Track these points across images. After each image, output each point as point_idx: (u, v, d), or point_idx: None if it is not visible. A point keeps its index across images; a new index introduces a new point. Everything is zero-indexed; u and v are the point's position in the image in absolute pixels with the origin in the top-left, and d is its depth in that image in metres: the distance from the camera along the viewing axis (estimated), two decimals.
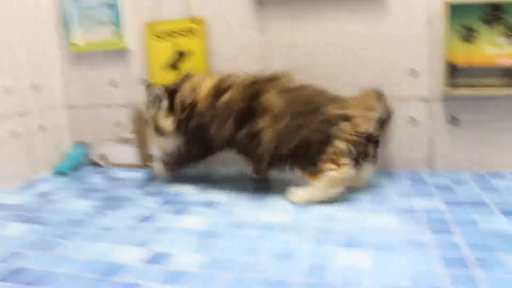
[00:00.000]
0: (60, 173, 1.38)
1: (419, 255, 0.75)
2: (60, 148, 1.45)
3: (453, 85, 1.16)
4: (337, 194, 1.02)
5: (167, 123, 1.15)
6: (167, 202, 1.08)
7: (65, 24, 1.39)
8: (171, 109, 1.15)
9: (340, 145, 1.00)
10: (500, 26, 1.13)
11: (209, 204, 1.05)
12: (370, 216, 0.93)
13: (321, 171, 1.01)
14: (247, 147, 1.07)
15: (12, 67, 1.29)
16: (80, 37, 1.39)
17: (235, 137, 1.07)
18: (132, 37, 1.36)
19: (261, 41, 1.26)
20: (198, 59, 1.29)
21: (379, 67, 1.19)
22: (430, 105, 1.19)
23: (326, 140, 1.01)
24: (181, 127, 1.15)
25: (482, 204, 0.96)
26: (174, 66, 1.31)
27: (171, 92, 1.15)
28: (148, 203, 1.08)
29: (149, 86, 1.20)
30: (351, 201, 1.02)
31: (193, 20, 1.28)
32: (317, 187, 1.02)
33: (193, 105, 1.12)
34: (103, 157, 1.43)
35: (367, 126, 1.02)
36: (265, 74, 1.10)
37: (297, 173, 1.05)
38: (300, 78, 1.12)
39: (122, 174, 1.35)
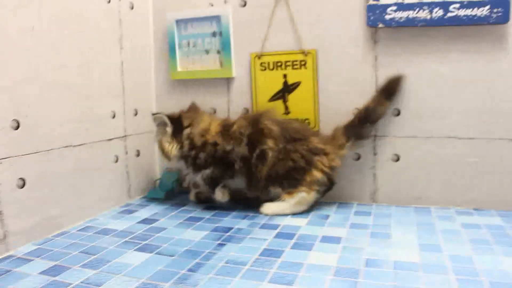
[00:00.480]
0: (154, 198, 1.37)
1: None
2: (153, 173, 1.45)
3: None
4: (300, 211, 1.21)
5: (171, 148, 1.26)
6: (283, 236, 1.04)
7: (169, 51, 1.41)
8: (175, 135, 1.26)
9: (317, 174, 1.19)
10: None
11: (329, 239, 1.01)
12: (505, 259, 0.88)
13: (295, 191, 1.19)
14: (257, 166, 1.20)
15: (120, 92, 1.32)
16: (182, 64, 1.40)
17: (252, 157, 1.20)
18: (237, 67, 1.36)
19: (373, 77, 1.24)
20: (306, 92, 1.28)
21: (487, 106, 1.17)
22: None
23: (308, 168, 1.19)
24: (189, 162, 1.27)
25: None
26: (281, 97, 1.31)
27: (175, 120, 1.26)
28: (262, 235, 1.05)
29: (154, 114, 1.28)
30: (476, 241, 0.97)
31: (304, 52, 1.27)
32: (287, 203, 1.20)
33: (204, 144, 1.24)
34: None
35: (338, 162, 1.22)
36: (256, 111, 1.32)
37: (276, 191, 1.21)
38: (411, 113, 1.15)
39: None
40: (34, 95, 1.03)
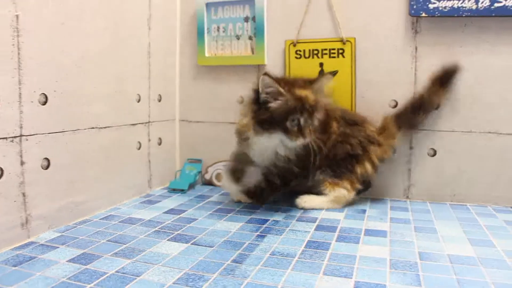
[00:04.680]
0: (175, 189, 1.30)
1: None
2: (173, 163, 1.38)
3: None
4: (336, 208, 1.14)
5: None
6: (324, 229, 0.98)
7: (198, 35, 1.34)
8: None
9: (368, 167, 1.14)
10: None
11: (375, 233, 0.96)
12: None
13: (337, 184, 1.12)
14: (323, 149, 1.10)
15: (146, 75, 1.24)
16: (210, 50, 1.34)
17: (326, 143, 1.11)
18: (269, 54, 1.30)
19: (412, 68, 1.19)
20: (343, 81, 1.23)
21: None
22: None
23: (362, 157, 1.13)
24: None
25: None
26: None
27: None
28: (305, 228, 0.99)
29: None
30: None
31: (342, 40, 1.22)
32: (325, 198, 1.13)
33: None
34: (218, 176, 1.35)
35: (389, 154, 1.17)
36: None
37: (319, 177, 1.13)
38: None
39: None
40: (63, 71, 0.96)
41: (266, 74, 1.01)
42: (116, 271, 0.76)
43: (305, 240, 0.91)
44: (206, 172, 1.36)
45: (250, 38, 1.30)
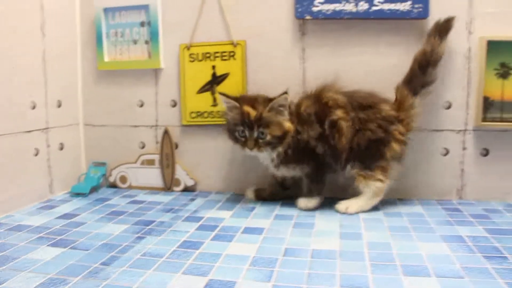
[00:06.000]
0: (78, 193, 1.31)
1: (485, 282, 0.73)
2: (77, 167, 1.39)
3: (486, 119, 1.19)
4: (376, 203, 1.14)
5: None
6: (205, 228, 1.02)
7: (96, 40, 1.35)
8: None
9: (396, 147, 1.11)
10: None
11: (251, 230, 1.00)
12: (421, 244, 0.91)
13: (372, 177, 1.11)
14: (334, 137, 1.11)
15: (41, 82, 1.24)
16: (110, 54, 1.35)
17: (324, 131, 1.12)
18: (166, 58, 1.32)
19: (300, 69, 1.25)
20: (234, 83, 1.27)
21: None
22: (463, 137, 1.20)
23: (386, 139, 1.11)
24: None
25: None
26: (210, 89, 1.29)
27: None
28: (186, 228, 1.02)
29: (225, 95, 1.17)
30: (395, 228, 1.00)
31: (233, 43, 1.26)
32: (364, 197, 1.13)
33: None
34: (122, 179, 1.37)
35: (413, 125, 1.15)
36: (318, 86, 1.17)
37: (352, 171, 1.13)
38: None
39: (145, 197, 1.29)
40: None
41: (221, 93, 1.15)
42: None
43: (180, 240, 0.95)
44: (110, 174, 1.38)
45: (146, 42, 1.32)
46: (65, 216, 1.13)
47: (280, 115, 1.11)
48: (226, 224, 1.05)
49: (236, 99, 1.13)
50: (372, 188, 1.12)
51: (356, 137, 1.11)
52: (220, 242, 0.94)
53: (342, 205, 1.14)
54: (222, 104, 1.16)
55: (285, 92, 1.10)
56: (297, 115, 1.13)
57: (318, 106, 1.13)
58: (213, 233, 0.99)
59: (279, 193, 1.25)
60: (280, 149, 1.12)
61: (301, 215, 1.12)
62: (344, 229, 1.01)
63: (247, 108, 1.11)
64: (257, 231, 1.00)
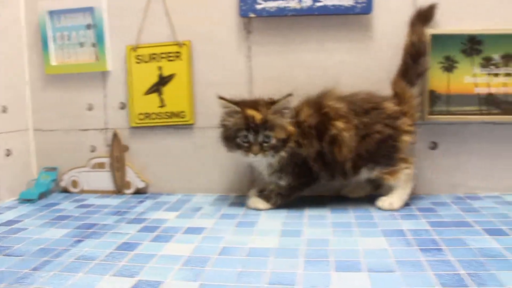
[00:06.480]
0: (27, 200, 1.28)
1: (415, 275, 0.74)
2: (28, 173, 1.37)
3: (433, 112, 1.20)
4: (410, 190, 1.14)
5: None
6: (147, 230, 1.01)
7: (42, 44, 1.33)
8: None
9: (407, 138, 1.11)
10: (477, 57, 1.18)
11: (193, 230, 1.00)
12: (360, 239, 0.91)
13: (397, 170, 1.11)
14: (333, 153, 1.09)
15: None
16: (57, 58, 1.33)
17: (322, 147, 1.10)
18: (113, 60, 1.31)
19: (247, 67, 1.24)
20: (181, 84, 1.26)
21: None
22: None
23: (396, 134, 1.11)
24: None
25: (466, 224, 0.98)
26: (156, 90, 1.28)
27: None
28: (127, 230, 1.01)
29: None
30: (338, 224, 1.00)
31: (178, 43, 1.25)
32: (401, 190, 1.12)
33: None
34: (73, 183, 1.35)
35: (417, 115, 1.16)
36: (319, 92, 1.15)
37: (373, 173, 1.12)
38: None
39: (95, 200, 1.28)
40: None
41: (221, 97, 1.09)
42: None
43: (119, 243, 0.93)
44: (62, 179, 1.36)
45: (93, 45, 1.30)
46: (7, 223, 1.10)
47: (284, 117, 1.08)
48: (169, 225, 1.04)
49: (236, 103, 1.09)
50: (402, 178, 1.11)
51: (363, 144, 1.09)
52: (158, 243, 0.93)
53: (385, 202, 1.12)
54: (221, 109, 1.10)
55: (290, 94, 1.07)
56: (297, 123, 1.10)
57: (319, 117, 1.10)
58: (154, 234, 0.98)
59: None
60: (283, 153, 1.08)
61: (247, 214, 1.11)
62: (286, 227, 1.00)
63: (251, 112, 1.07)
64: (198, 230, 0.99)
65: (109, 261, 0.84)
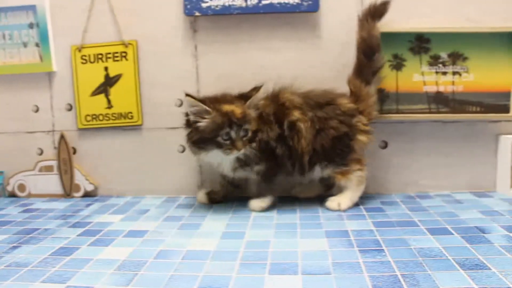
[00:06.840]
0: None
1: (350, 277, 0.73)
2: None
3: (383, 111, 1.20)
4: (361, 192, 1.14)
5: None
6: (88, 233, 0.99)
7: None
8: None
9: (363, 138, 1.11)
10: (425, 55, 1.19)
11: (134, 233, 0.98)
12: (302, 241, 0.90)
13: (349, 171, 1.11)
14: (293, 139, 1.09)
15: None
16: (2, 58, 1.29)
17: (284, 131, 1.09)
18: (58, 60, 1.28)
19: (194, 66, 1.23)
20: (128, 84, 1.24)
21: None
22: None
23: (351, 133, 1.10)
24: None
25: (412, 224, 0.98)
26: (103, 91, 1.25)
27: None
28: (68, 234, 0.99)
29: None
30: (282, 226, 1.00)
31: (124, 43, 1.23)
32: (351, 192, 1.12)
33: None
34: (20, 187, 1.32)
35: (375, 114, 1.15)
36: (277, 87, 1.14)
37: (326, 170, 1.12)
38: None
39: (42, 205, 1.24)
40: None
41: (188, 95, 1.04)
42: None
43: (56, 248, 0.91)
44: (8, 183, 1.32)
45: (37, 45, 1.27)
46: None
47: (253, 110, 1.08)
48: (112, 228, 1.02)
49: (203, 100, 1.04)
50: (354, 179, 1.11)
51: (318, 138, 1.09)
52: (96, 247, 0.91)
53: (333, 202, 1.11)
54: (188, 108, 1.05)
55: (261, 86, 1.07)
56: (257, 114, 1.09)
57: (276, 106, 1.10)
58: (94, 238, 0.96)
59: (232, 193, 1.21)
60: (254, 144, 1.06)
61: (191, 216, 1.10)
62: (229, 229, 1.00)
63: (229, 107, 1.04)
64: (140, 233, 0.98)
65: (41, 267, 0.82)
